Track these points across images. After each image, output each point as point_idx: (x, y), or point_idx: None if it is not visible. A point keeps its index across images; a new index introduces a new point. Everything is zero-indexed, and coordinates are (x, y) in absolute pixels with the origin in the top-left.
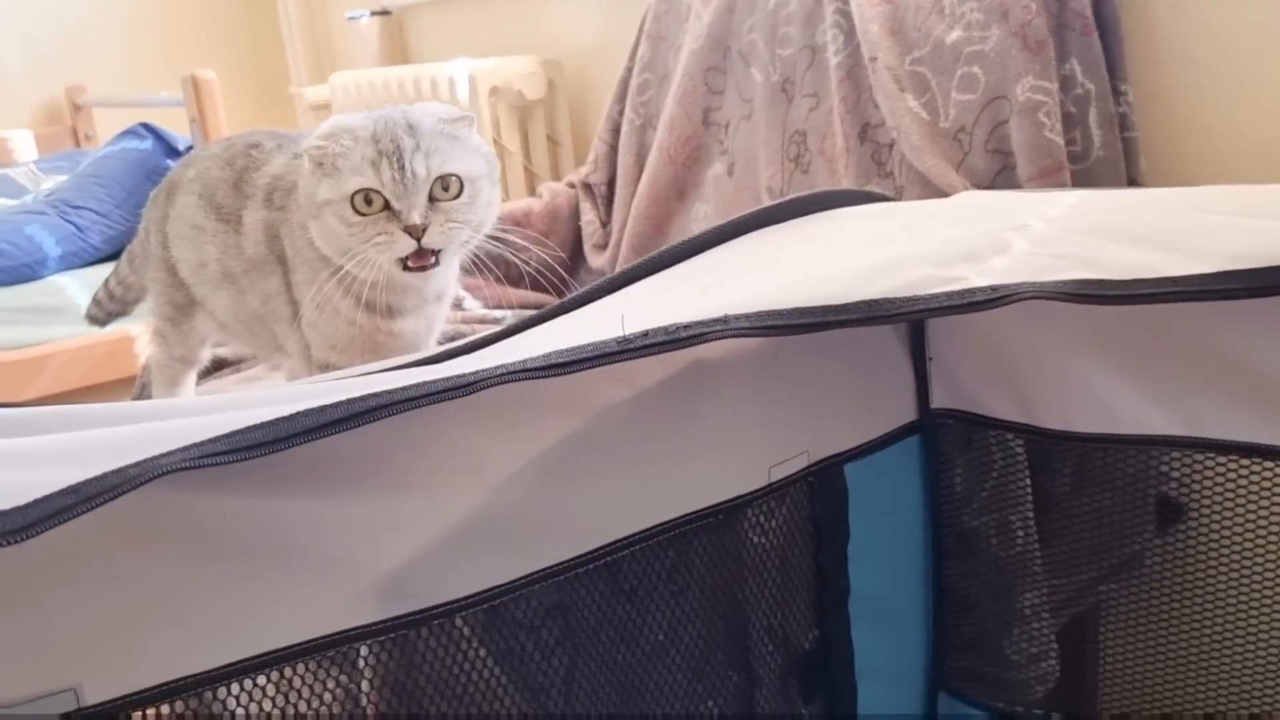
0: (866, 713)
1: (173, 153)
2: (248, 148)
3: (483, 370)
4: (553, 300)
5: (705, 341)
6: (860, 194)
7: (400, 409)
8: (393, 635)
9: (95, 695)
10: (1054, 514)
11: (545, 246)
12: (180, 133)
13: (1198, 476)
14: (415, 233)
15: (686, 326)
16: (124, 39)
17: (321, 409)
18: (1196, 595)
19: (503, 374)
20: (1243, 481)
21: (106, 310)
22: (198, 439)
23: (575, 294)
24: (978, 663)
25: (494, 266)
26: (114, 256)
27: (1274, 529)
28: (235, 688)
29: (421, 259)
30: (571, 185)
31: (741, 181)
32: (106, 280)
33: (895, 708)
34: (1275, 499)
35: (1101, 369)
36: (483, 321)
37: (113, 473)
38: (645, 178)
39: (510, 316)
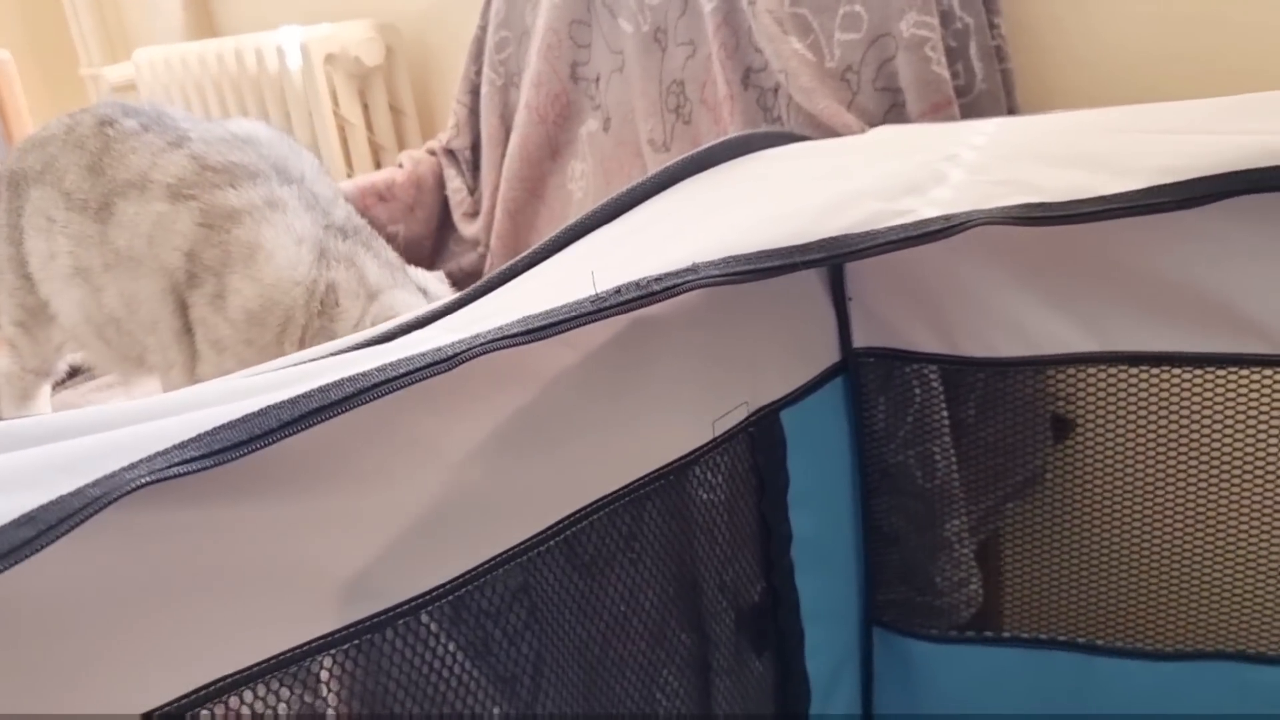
0: (810, 654)
1: None
2: (99, 125)
3: (460, 341)
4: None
5: (679, 293)
6: (783, 134)
7: (382, 391)
8: (357, 641)
9: None
10: (964, 440)
11: (412, 219)
12: None
13: (1094, 390)
14: None
15: (657, 279)
16: None
17: (295, 400)
18: (1091, 504)
19: (483, 343)
20: (1149, 390)
21: None
22: (156, 447)
23: (526, 253)
24: (908, 594)
25: None
26: None
27: (1175, 433)
28: None
29: None
30: (433, 152)
31: (619, 136)
32: None
33: (836, 647)
34: (1178, 404)
35: (1019, 293)
36: None
37: (71, 495)
38: (515, 139)
39: None
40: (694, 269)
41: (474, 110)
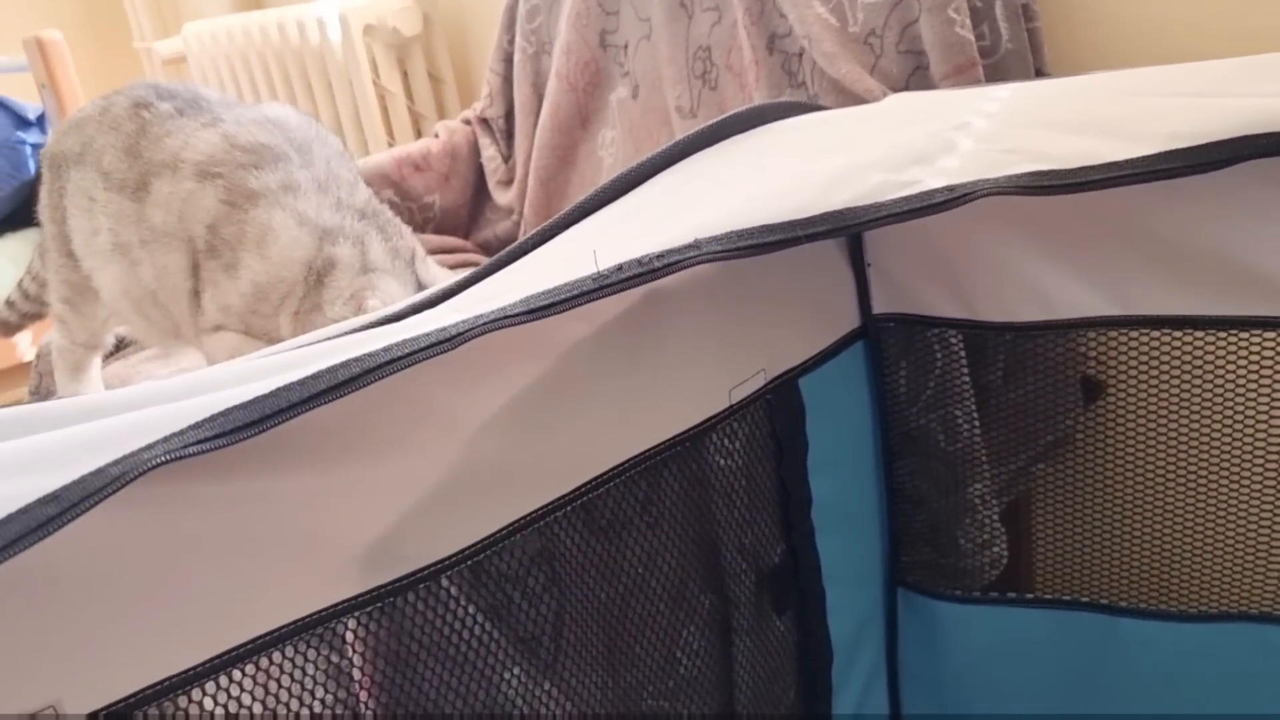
0: (833, 615)
1: (23, 123)
2: (134, 108)
3: (464, 321)
4: (460, 242)
5: (680, 269)
6: (795, 105)
7: (387, 371)
8: (380, 604)
9: (76, 709)
10: (990, 403)
11: (447, 188)
12: (27, 100)
13: (1120, 354)
14: None
15: (660, 256)
16: None
17: (304, 381)
18: (1119, 466)
19: (485, 323)
20: (1173, 353)
21: (21, 312)
22: (175, 428)
23: (534, 231)
24: (932, 555)
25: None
26: None
27: (1198, 396)
28: (224, 679)
29: None
30: (468, 122)
31: (648, 103)
32: (20, 280)
33: (859, 608)
34: (1202, 367)
35: (1038, 258)
36: None
37: (93, 474)
38: (546, 107)
39: None
40: (696, 245)
41: (507, 79)
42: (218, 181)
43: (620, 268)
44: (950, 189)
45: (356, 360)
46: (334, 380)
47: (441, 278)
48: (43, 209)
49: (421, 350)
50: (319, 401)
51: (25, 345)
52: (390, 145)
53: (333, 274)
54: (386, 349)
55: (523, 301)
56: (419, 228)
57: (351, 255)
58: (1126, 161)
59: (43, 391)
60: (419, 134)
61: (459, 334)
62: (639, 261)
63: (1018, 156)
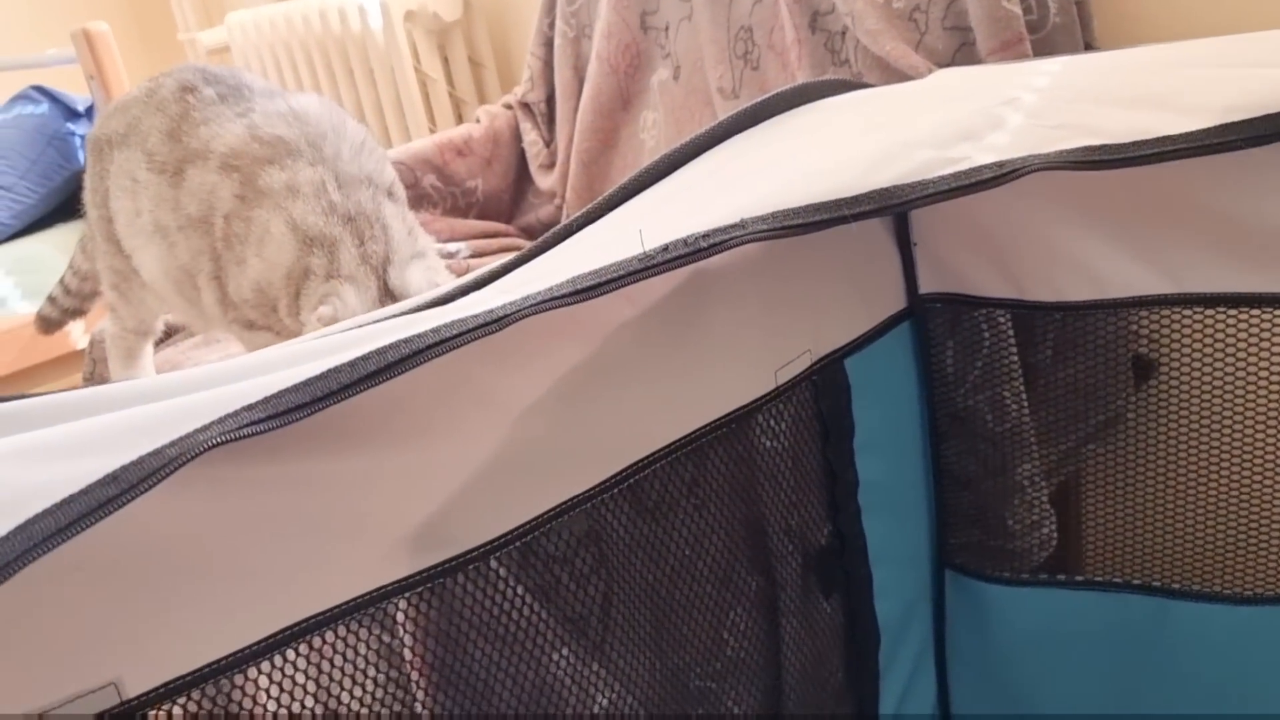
0: (879, 596)
1: (72, 115)
2: (180, 91)
3: (511, 303)
4: (502, 227)
5: (727, 249)
6: (839, 83)
7: (437, 351)
8: (429, 585)
9: (136, 687)
10: (1039, 384)
11: (490, 173)
12: (75, 92)
13: (1174, 332)
14: None
15: (705, 236)
16: None
17: (354, 363)
18: (1172, 446)
19: (534, 304)
20: (1228, 332)
21: (62, 308)
22: (228, 410)
23: (579, 213)
24: (980, 537)
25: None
26: (27, 233)
27: (1254, 375)
28: (278, 659)
29: None
30: (509, 106)
31: (690, 84)
32: (62, 277)
33: (906, 589)
34: (1260, 345)
35: (1087, 236)
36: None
37: (151, 455)
38: (588, 90)
39: (465, 248)
40: (742, 224)
41: (548, 63)
42: (235, 175)
43: (666, 248)
44: (1000, 165)
45: (405, 342)
46: (383, 362)
47: (422, 283)
48: (87, 195)
49: (469, 331)
50: (369, 383)
51: (78, 334)
52: (431, 131)
53: (307, 283)
54: (434, 330)
55: (569, 282)
56: (462, 213)
57: (321, 264)
58: (1182, 135)
59: (96, 379)
60: (460, 119)
61: (506, 315)
62: (685, 241)
63: (1069, 131)
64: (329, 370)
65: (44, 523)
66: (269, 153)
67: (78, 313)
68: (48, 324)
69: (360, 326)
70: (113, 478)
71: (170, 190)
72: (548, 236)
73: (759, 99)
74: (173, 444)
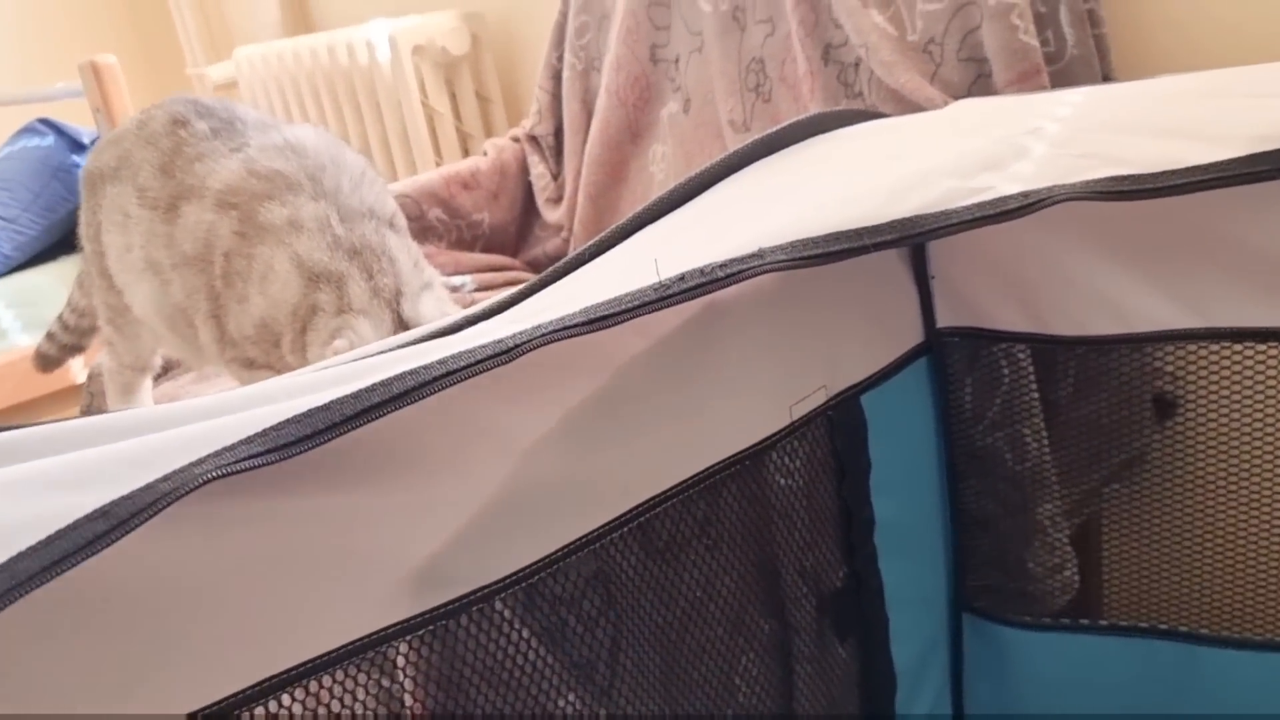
0: (896, 641)
1: (78, 147)
2: (172, 124)
3: (522, 332)
4: (508, 260)
5: (744, 279)
6: (856, 113)
7: (445, 383)
8: (431, 627)
9: None
10: (1059, 421)
11: (496, 206)
12: (81, 124)
13: (1199, 368)
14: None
15: (723, 265)
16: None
17: (357, 395)
18: (1197, 486)
19: (545, 333)
20: (1255, 367)
21: (61, 345)
22: (225, 442)
23: (591, 242)
24: (1000, 579)
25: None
26: (29, 265)
27: None
28: (273, 705)
29: None
30: (516, 139)
31: (700, 117)
32: (60, 314)
33: (923, 634)
34: None
35: (1111, 269)
36: None
37: (143, 489)
38: (596, 123)
39: (470, 282)
40: (760, 254)
41: (556, 96)
42: (233, 212)
43: (682, 277)
44: (1025, 194)
45: (412, 373)
46: (389, 394)
47: (434, 314)
48: (82, 229)
49: (479, 362)
50: (373, 415)
51: (77, 367)
52: (438, 164)
53: (314, 320)
54: (442, 361)
55: (582, 312)
56: (467, 246)
57: (329, 299)
58: (1210, 165)
59: (94, 412)
60: (467, 153)
61: (516, 345)
62: (701, 271)
63: (1094, 161)
64: (332, 402)
65: (28, 561)
66: (267, 188)
67: (76, 349)
68: (46, 362)
69: (366, 357)
70: (103, 512)
71: (164, 226)
72: (558, 266)
73: (774, 129)
74: (166, 478)
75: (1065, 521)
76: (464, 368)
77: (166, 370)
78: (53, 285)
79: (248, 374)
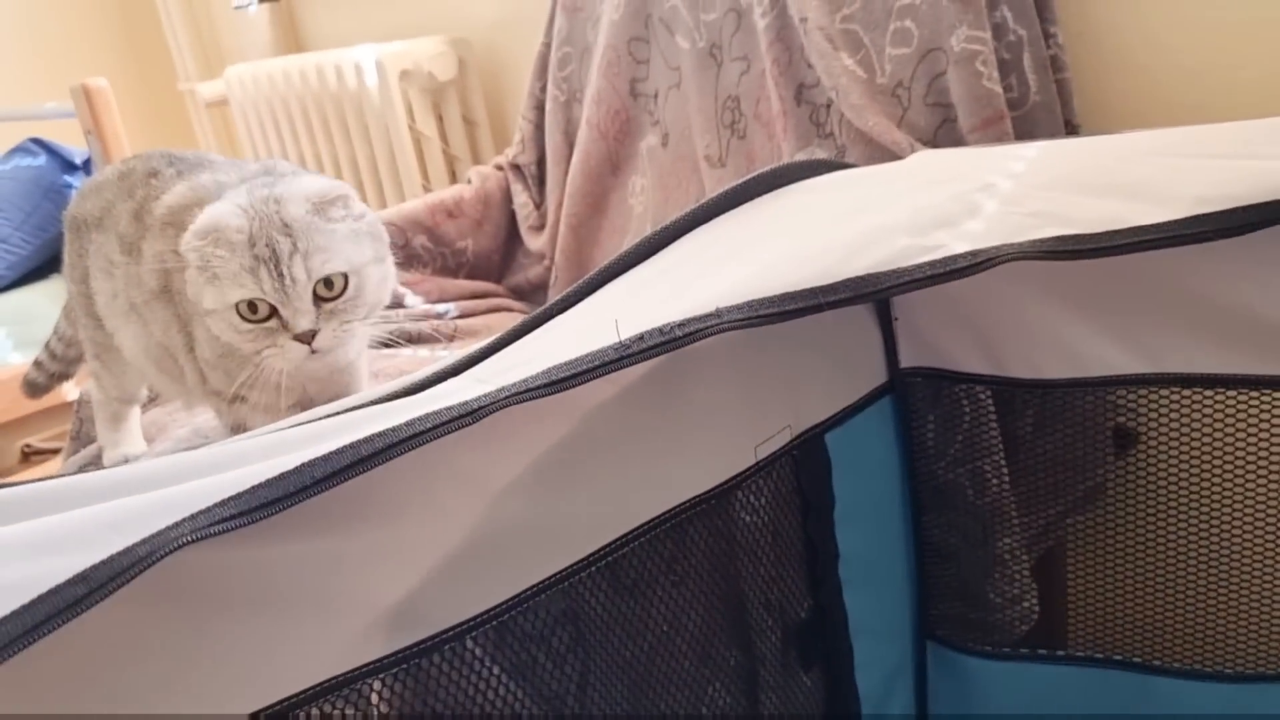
0: (860, 669)
1: (69, 167)
2: (147, 176)
3: (485, 395)
4: (492, 287)
5: (701, 339)
6: (820, 164)
7: (409, 446)
8: (405, 666)
9: None
10: (1020, 455)
11: (480, 234)
12: (72, 144)
13: (1152, 410)
14: (306, 339)
15: (681, 325)
16: None
17: (327, 457)
18: (1151, 518)
19: (506, 397)
20: (1205, 411)
21: (49, 372)
22: (200, 505)
23: (554, 300)
24: (962, 609)
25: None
26: (21, 284)
27: (1233, 453)
28: None
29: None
30: (500, 168)
31: (677, 151)
32: (47, 341)
33: (887, 661)
34: (1237, 425)
35: (1066, 316)
36: (425, 317)
37: (121, 554)
38: (577, 154)
39: (453, 309)
40: (718, 314)
41: (539, 126)
42: (171, 230)
43: (642, 337)
44: (974, 254)
45: (379, 435)
46: (356, 456)
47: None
48: (66, 269)
49: (443, 425)
50: (342, 477)
51: (68, 385)
52: (425, 187)
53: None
54: (409, 424)
55: (544, 373)
56: (451, 273)
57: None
58: (1153, 226)
59: (83, 437)
60: (453, 176)
61: (480, 408)
62: (660, 330)
63: (1042, 220)
64: (303, 464)
65: (10, 625)
66: (199, 196)
67: (64, 376)
68: (34, 389)
69: (335, 415)
70: (82, 577)
71: (135, 268)
72: (526, 320)
73: (740, 181)
74: (144, 542)
75: (1025, 553)
76: (429, 429)
77: (155, 398)
78: (44, 303)
79: (228, 410)
